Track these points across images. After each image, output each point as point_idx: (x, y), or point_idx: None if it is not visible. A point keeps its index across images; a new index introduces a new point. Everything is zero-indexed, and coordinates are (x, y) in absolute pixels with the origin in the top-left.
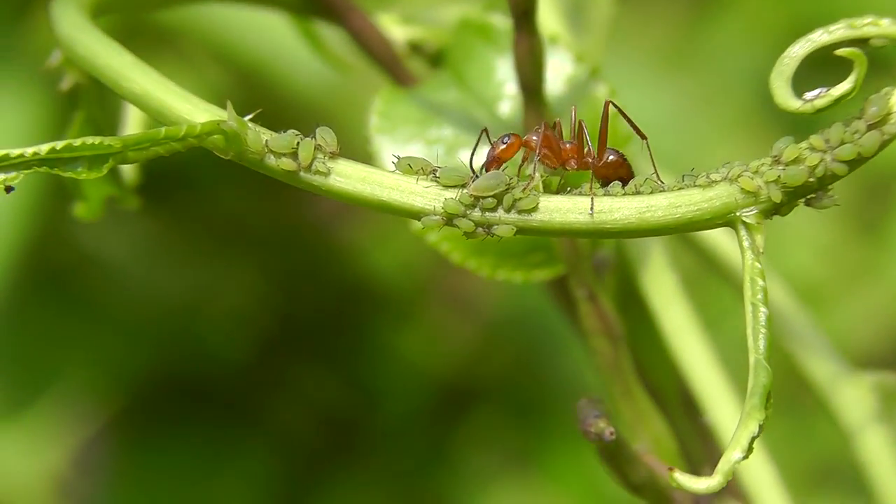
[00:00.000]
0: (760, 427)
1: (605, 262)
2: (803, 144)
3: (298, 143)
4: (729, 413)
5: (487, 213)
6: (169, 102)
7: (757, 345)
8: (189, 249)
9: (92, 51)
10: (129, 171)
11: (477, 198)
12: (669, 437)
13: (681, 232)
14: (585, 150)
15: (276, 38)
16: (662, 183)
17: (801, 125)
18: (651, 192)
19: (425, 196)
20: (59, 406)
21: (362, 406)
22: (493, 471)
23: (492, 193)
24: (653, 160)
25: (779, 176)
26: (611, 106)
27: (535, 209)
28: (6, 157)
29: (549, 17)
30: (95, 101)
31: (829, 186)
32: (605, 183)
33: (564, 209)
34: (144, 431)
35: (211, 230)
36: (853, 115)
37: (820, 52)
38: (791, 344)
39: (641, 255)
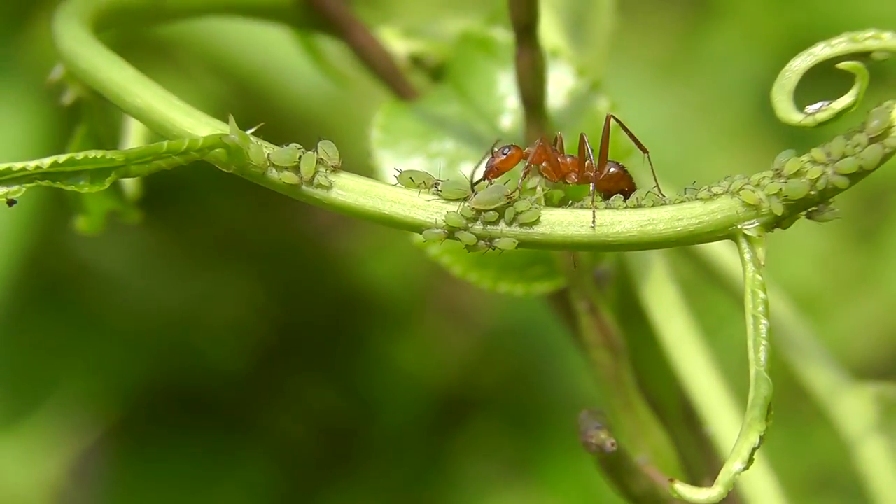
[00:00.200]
0: (761, 438)
1: (605, 275)
2: (805, 157)
3: (300, 156)
4: (729, 424)
5: (489, 227)
6: (171, 116)
7: (758, 357)
8: (187, 260)
9: (94, 65)
10: (130, 185)
11: (479, 211)
12: (670, 448)
13: (682, 245)
14: (587, 163)
15: (275, 49)
16: (664, 196)
17: (800, 134)
18: (653, 206)
19: (427, 209)
20: (57, 416)
21: (360, 416)
22: (491, 480)
23: (493, 207)
24: (654, 173)
25: (780, 189)
26: (612, 120)
27: (536, 222)
28: (8, 171)
29: (550, 31)
30: (97, 115)
31: (831, 199)
32: (606, 196)
33: (566, 222)
34: (142, 441)
35: (209, 241)
36: (855, 129)
37: (821, 63)
38: (792, 355)
39: (642, 267)
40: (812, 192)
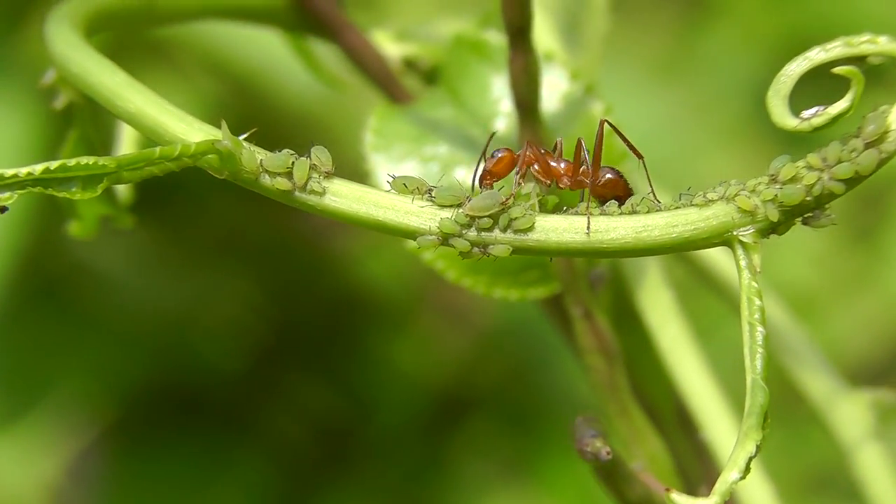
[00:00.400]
0: (758, 447)
1: (600, 280)
2: (800, 163)
3: (293, 162)
4: (725, 430)
5: (483, 233)
6: (163, 121)
7: (754, 364)
8: (184, 260)
9: (85, 69)
10: (123, 190)
11: (473, 217)
12: (665, 454)
13: (677, 251)
14: (582, 168)
15: (271, 48)
16: (659, 202)
17: (795, 135)
18: (647, 212)
19: (421, 216)
20: (54, 416)
21: (357, 415)
22: (488, 480)
23: (488, 213)
24: (649, 179)
25: (776, 195)
26: (606, 124)
27: (531, 229)
28: (0, 178)
29: (544, 34)
30: (89, 119)
31: (827, 205)
32: (602, 201)
33: (560, 229)
34: (139, 441)
35: (206, 241)
36: (850, 134)
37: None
38: (788, 360)
39: (637, 272)
40: (808, 198)
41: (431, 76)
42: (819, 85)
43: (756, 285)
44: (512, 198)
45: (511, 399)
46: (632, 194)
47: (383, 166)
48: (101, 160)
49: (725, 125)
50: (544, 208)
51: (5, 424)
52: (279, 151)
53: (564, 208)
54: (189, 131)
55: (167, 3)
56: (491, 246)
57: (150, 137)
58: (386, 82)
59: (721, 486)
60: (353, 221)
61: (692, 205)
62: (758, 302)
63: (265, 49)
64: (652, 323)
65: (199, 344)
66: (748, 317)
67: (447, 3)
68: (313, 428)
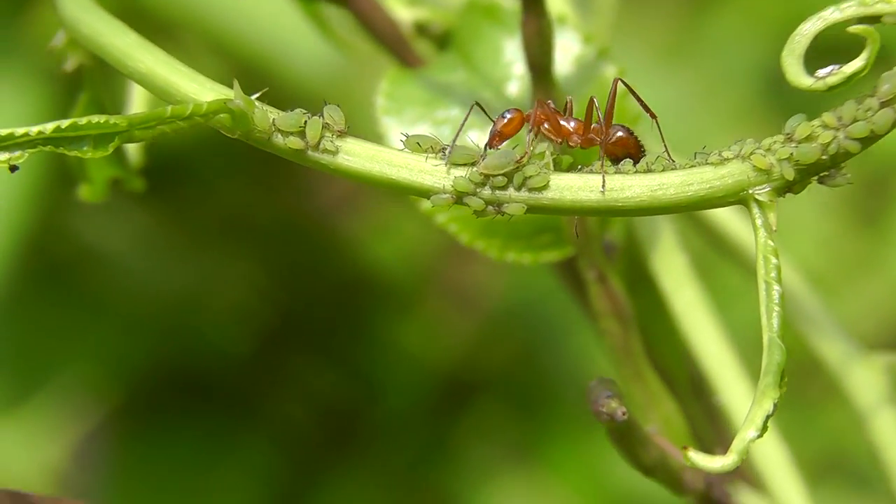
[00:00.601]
0: (775, 405)
1: (614, 244)
2: (816, 122)
3: (306, 121)
4: (740, 394)
5: (498, 192)
6: (175, 81)
7: (771, 323)
8: (189, 242)
9: (96, 30)
10: (133, 152)
11: (487, 176)
12: (680, 418)
13: (693, 210)
14: (594, 126)
15: (277, 27)
16: (674, 161)
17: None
18: (663, 170)
19: (435, 174)
20: (59, 399)
21: (363, 398)
22: (494, 463)
23: (502, 171)
24: (663, 139)
25: (791, 153)
26: (620, 84)
27: (545, 187)
28: (10, 136)
29: None
30: (100, 82)
31: (842, 164)
32: (615, 160)
33: (575, 187)
34: (144, 424)
35: (211, 223)
36: (866, 94)
37: (827, 40)
38: (803, 325)
39: (651, 235)
40: (823, 157)
41: (443, 40)
42: (830, 61)
43: (772, 244)
44: (527, 156)
45: (517, 382)
46: (644, 153)
47: (395, 130)
48: (113, 118)
49: (732, 109)
50: (559, 167)
51: (10, 408)
52: (291, 111)
53: (579, 167)
54: (201, 91)
55: None
56: (505, 204)
57: (161, 97)
58: (397, 47)
59: (738, 444)
60: (366, 180)
61: (708, 163)
62: (774, 260)
63: (271, 28)
64: (666, 287)
65: (204, 327)
66: (764, 275)
67: None
68: (319, 411)
